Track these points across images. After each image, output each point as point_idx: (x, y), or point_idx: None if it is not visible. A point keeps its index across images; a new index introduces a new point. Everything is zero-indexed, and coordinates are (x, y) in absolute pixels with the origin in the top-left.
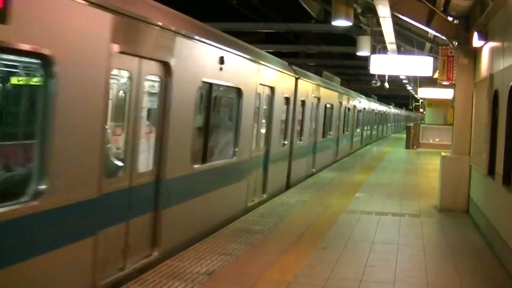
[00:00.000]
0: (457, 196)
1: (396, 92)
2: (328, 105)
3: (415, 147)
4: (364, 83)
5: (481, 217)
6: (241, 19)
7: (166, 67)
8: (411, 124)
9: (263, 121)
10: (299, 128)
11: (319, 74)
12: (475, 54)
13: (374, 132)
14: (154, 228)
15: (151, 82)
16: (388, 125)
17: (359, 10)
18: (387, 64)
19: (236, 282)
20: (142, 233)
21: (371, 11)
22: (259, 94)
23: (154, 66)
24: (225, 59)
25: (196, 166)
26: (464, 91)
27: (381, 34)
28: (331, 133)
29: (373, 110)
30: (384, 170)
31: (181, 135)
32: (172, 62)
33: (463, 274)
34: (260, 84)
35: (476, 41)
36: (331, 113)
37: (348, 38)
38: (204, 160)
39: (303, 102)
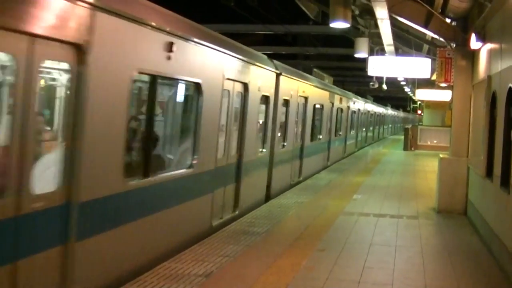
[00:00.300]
0: (455, 197)
1: (394, 94)
2: (317, 106)
3: (413, 148)
4: (362, 85)
5: (479, 219)
6: (239, 21)
7: (78, 51)
8: (409, 126)
9: (234, 123)
10: (281, 131)
11: (308, 72)
12: (473, 56)
13: (370, 134)
14: (62, 266)
15: (53, 71)
16: (385, 127)
17: (357, 12)
18: (385, 65)
19: (234, 284)
20: (42, 275)
21: (369, 13)
22: (227, 91)
23: (57, 49)
24: (175, 46)
25: (132, 181)
26: (462, 93)
27: (379, 36)
28: (321, 136)
29: (368, 111)
30: (382, 172)
31: (106, 143)
32: (89, 45)
33: (461, 276)
34: (228, 79)
35: (474, 43)
36: (321, 114)
37: (346, 40)
38: (146, 173)
39: (286, 102)
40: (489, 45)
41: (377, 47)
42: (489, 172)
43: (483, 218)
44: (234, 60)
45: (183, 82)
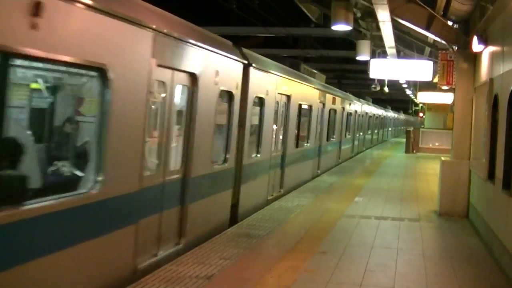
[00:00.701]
0: (456, 200)
1: (395, 96)
2: (304, 106)
3: (414, 151)
4: (364, 88)
5: (481, 222)
6: (240, 23)
7: None
8: (411, 128)
9: (176, 127)
10: (254, 136)
11: (296, 67)
12: (474, 59)
13: (369, 137)
14: None
15: None
16: (386, 129)
17: (358, 15)
18: (386, 68)
19: (235, 286)
20: None
21: (371, 15)
22: (162, 82)
23: None
24: (46, 8)
25: None
26: (464, 96)
27: (380, 38)
28: (308, 141)
29: (367, 113)
30: (383, 174)
31: None
32: None
33: (462, 279)
34: (160, 65)
35: (476, 46)
36: (309, 116)
37: (347, 43)
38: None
39: (260, 100)
40: (491, 48)
41: (378, 50)
42: (491, 175)
43: (484, 220)
44: (173, 41)
45: (68, 65)
